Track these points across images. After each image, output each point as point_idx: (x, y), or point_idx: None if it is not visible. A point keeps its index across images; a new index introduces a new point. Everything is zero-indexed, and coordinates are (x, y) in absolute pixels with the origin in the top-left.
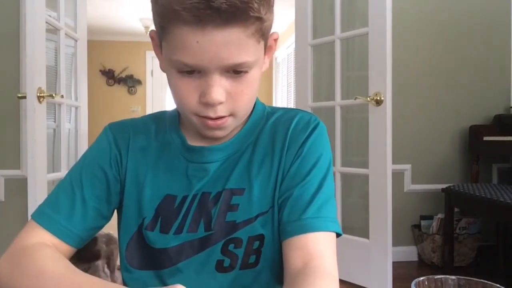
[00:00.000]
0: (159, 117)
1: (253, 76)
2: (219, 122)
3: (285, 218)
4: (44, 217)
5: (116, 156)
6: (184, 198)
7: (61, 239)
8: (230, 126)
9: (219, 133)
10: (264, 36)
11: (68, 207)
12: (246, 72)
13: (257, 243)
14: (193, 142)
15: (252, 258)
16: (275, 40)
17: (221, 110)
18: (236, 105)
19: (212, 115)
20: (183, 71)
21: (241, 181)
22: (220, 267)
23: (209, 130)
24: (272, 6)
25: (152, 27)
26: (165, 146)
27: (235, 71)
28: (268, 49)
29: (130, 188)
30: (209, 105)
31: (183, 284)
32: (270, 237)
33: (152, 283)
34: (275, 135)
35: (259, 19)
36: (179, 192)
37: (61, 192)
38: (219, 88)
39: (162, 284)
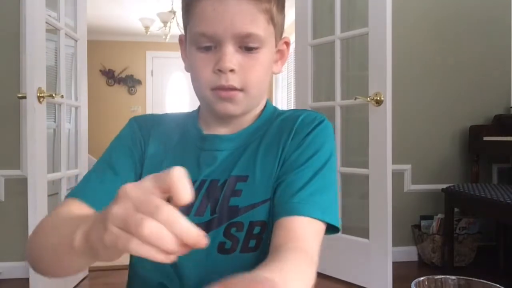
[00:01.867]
0: (180, 114)
1: (264, 57)
2: (231, 93)
3: (276, 200)
4: (75, 190)
5: (140, 140)
6: (192, 184)
7: (89, 204)
8: (241, 102)
9: (231, 107)
10: (274, 22)
11: (99, 180)
12: (257, 49)
13: (258, 228)
14: (207, 132)
15: (252, 243)
16: (287, 44)
17: (233, 79)
18: (247, 78)
19: (224, 83)
20: (202, 46)
21: (246, 169)
22: (221, 249)
23: (221, 102)
24: (282, 0)
25: (152, 27)
26: (183, 137)
27: (247, 48)
28: (280, 53)
29: (148, 173)
30: (222, 72)
31: (189, 265)
32: (271, 224)
33: (157, 263)
34: (282, 129)
35: None
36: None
37: (93, 171)
38: (232, 58)
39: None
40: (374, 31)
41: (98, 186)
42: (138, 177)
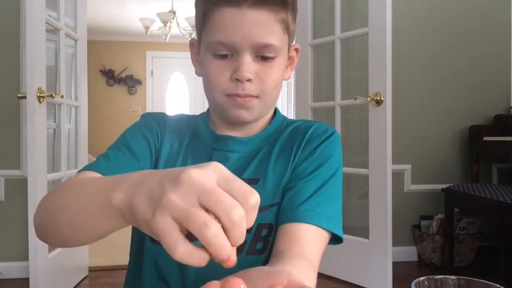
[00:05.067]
0: (189, 115)
1: (279, 65)
2: (247, 99)
3: (283, 206)
4: (90, 165)
5: (158, 131)
6: None
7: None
8: (256, 108)
9: (245, 114)
10: (289, 31)
11: (118, 159)
12: (272, 59)
13: (265, 231)
14: (219, 133)
15: (259, 245)
16: (296, 51)
17: (249, 89)
18: (263, 86)
19: (241, 91)
20: (218, 54)
21: (257, 172)
22: None
23: (236, 109)
24: (296, 10)
25: (152, 27)
26: (195, 137)
27: (263, 57)
28: (290, 60)
29: (164, 167)
30: (239, 81)
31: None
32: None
33: (169, 257)
34: (294, 138)
35: (285, 6)
36: None
37: (109, 151)
38: (249, 67)
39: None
40: (374, 31)
41: (118, 164)
42: (152, 165)
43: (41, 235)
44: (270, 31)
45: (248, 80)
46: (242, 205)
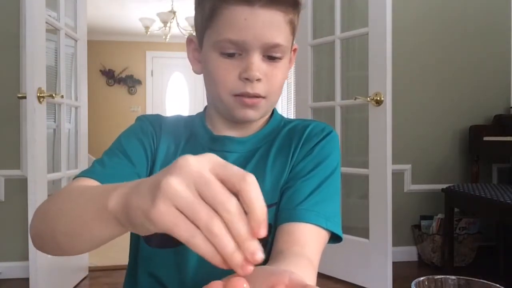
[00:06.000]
0: (185, 116)
1: (284, 65)
2: (255, 100)
3: (282, 206)
4: (86, 171)
5: (153, 134)
6: None
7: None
8: (262, 108)
9: (251, 114)
10: (294, 32)
11: (114, 164)
12: (280, 59)
13: None
14: (217, 133)
15: None
16: (294, 51)
17: (258, 88)
18: (271, 86)
19: (250, 90)
20: (226, 53)
21: (256, 172)
22: None
23: (242, 109)
24: (300, 11)
25: (152, 27)
26: (192, 138)
27: (271, 57)
28: (289, 60)
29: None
30: (249, 80)
31: (192, 265)
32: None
33: (169, 259)
34: (291, 137)
35: (296, 7)
36: None
37: (105, 156)
38: (259, 67)
39: (177, 260)
40: (374, 31)
41: (114, 169)
42: (150, 173)
43: (38, 244)
44: (280, 31)
45: (258, 79)
46: (240, 185)
